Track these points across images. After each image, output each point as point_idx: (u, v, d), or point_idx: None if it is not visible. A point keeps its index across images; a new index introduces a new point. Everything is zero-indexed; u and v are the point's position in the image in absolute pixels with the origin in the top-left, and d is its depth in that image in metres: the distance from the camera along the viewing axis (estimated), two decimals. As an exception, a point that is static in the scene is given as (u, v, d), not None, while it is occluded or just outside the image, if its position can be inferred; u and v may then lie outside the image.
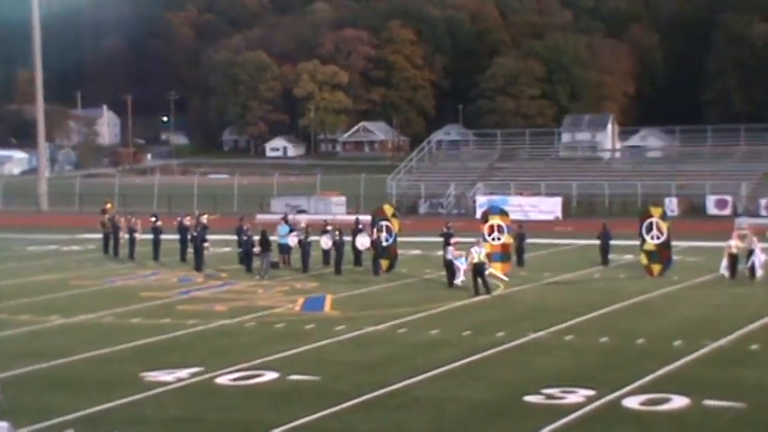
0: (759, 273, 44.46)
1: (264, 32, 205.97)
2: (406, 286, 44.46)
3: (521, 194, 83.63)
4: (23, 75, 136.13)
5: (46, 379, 27.17)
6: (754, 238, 45.75)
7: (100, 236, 58.79)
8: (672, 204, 76.00)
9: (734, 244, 45.12)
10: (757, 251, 44.69)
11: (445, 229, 52.30)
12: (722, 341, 31.99)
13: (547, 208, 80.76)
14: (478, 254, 42.09)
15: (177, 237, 54.11)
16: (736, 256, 44.62)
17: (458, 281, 43.71)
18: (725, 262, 45.09)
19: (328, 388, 26.40)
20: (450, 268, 44.02)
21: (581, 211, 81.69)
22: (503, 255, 48.12)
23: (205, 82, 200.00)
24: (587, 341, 32.44)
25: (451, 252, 44.17)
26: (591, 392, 25.58)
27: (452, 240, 46.66)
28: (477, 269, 41.75)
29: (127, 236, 56.27)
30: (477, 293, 41.34)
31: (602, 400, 24.98)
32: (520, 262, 49.89)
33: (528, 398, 25.29)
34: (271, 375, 27.96)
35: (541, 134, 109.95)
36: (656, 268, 46.87)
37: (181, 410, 24.67)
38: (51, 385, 26.24)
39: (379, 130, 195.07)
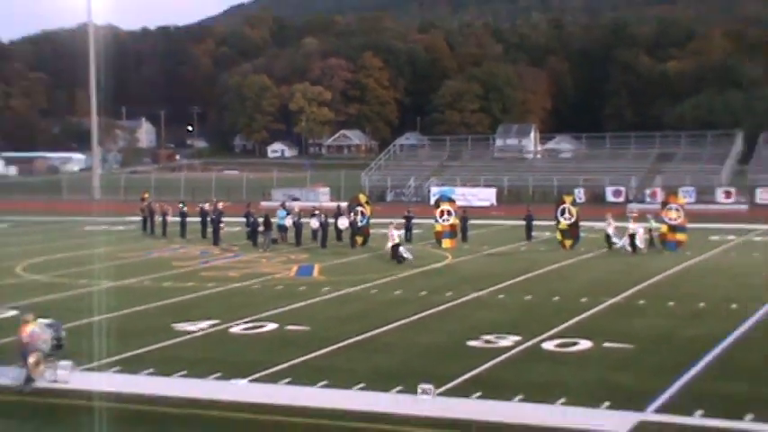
0: (641, 247, 44.84)
1: (267, 61, 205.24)
2: (377, 257, 44.47)
3: (464, 186, 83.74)
4: (81, 94, 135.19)
5: (99, 329, 27.14)
6: (611, 221, 46.70)
7: (140, 219, 58.68)
8: (580, 193, 76.26)
9: (631, 226, 45.38)
10: (611, 230, 46.13)
11: (407, 213, 52.53)
12: (618, 298, 32.19)
13: (484, 197, 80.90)
14: (398, 235, 42.72)
15: (199, 219, 54.06)
16: (634, 235, 44.83)
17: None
18: (626, 240, 45.29)
19: (317, 335, 26.43)
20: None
21: (510, 198, 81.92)
22: (451, 233, 48.32)
23: (221, 99, 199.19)
24: (515, 299, 32.57)
25: (393, 227, 44.44)
26: (518, 338, 25.69)
27: (395, 222, 46.36)
28: (396, 246, 42.11)
29: (160, 218, 56.22)
30: (398, 262, 41.55)
31: (527, 344, 25.10)
32: (464, 238, 50.01)
33: (470, 342, 25.39)
34: (272, 326, 27.98)
35: (480, 140, 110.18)
36: (568, 243, 47.09)
37: (203, 353, 24.68)
38: (103, 333, 26.20)
39: (355, 137, 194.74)
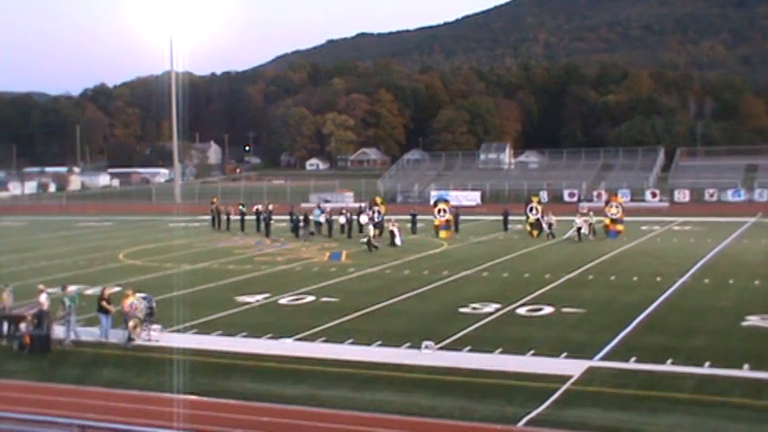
0: (586, 233, 44.79)
1: (305, 96, 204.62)
2: (390, 245, 44.50)
3: (456, 190, 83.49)
4: (166, 124, 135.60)
5: (181, 300, 27.27)
6: (551, 215, 47.15)
7: (209, 217, 58.76)
8: (544, 195, 75.89)
9: (577, 221, 45.19)
10: (576, 223, 45.39)
11: (413, 211, 52.53)
12: (572, 274, 32.22)
13: (471, 198, 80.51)
14: (372, 228, 43.08)
15: (254, 217, 54.15)
16: (580, 228, 44.71)
17: (397, 241, 43.71)
18: (572, 231, 45.20)
19: (344, 305, 26.52)
20: (392, 234, 43.99)
21: (491, 199, 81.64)
22: (446, 226, 48.27)
23: (270, 126, 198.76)
24: (495, 275, 32.60)
25: (391, 224, 44.45)
26: (498, 305, 25.75)
27: (393, 219, 46.28)
28: (370, 239, 42.16)
29: (225, 217, 56.29)
30: (370, 250, 41.37)
31: (504, 310, 25.15)
32: (456, 230, 49.98)
33: (461, 309, 25.45)
34: (310, 298, 28.09)
35: (468, 155, 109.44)
36: (535, 233, 47.01)
37: (259, 319, 24.80)
38: (184, 304, 26.33)
39: (372, 153, 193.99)
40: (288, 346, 21.16)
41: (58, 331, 22.09)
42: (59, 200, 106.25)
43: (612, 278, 31.07)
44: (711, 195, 76.24)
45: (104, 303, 22.41)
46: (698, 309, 25.06)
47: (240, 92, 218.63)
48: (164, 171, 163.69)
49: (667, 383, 17.22)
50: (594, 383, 17.36)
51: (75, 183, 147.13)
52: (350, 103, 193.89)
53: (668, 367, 18.37)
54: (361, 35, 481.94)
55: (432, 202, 61.44)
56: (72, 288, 23.78)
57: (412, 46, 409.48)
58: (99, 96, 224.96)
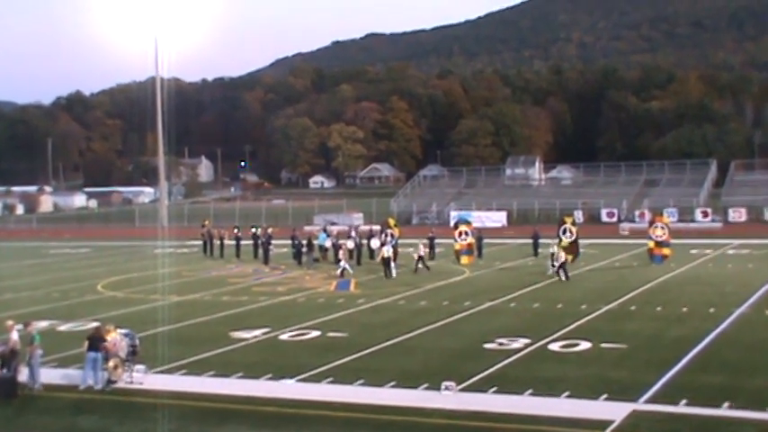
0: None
1: (308, 105, 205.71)
2: (405, 272, 44.41)
3: (479, 210, 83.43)
4: (150, 137, 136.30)
5: (168, 337, 27.29)
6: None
7: (200, 242, 58.85)
8: (579, 215, 75.74)
9: (561, 254, 40.80)
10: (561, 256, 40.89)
11: (430, 234, 52.55)
12: (612, 304, 32.10)
13: (496, 219, 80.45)
14: (387, 251, 43.33)
15: (251, 242, 54.19)
16: (564, 263, 40.27)
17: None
18: (554, 266, 40.70)
19: (353, 341, 26.48)
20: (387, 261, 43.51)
21: (519, 220, 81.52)
22: (468, 250, 48.18)
23: (269, 139, 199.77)
24: (525, 306, 32.50)
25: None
26: (527, 340, 25.65)
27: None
28: (386, 261, 42.77)
29: (218, 242, 56.39)
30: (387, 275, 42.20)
31: (535, 346, 25.05)
32: (479, 255, 49.87)
33: (486, 345, 25.36)
34: (315, 333, 28.05)
35: (492, 170, 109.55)
36: (570, 257, 46.71)
37: (256, 357, 24.77)
38: (171, 341, 26.35)
39: (384, 169, 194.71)
40: (290, 388, 21.11)
41: (24, 373, 22.04)
42: (28, 223, 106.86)
43: (659, 309, 30.93)
44: (771, 214, 76.02)
45: (105, 343, 21.82)
46: (759, 343, 24.89)
47: (235, 100, 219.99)
48: (148, 190, 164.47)
49: (725, 430, 17.08)
50: (639, 429, 17.24)
51: (46, 204, 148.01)
52: (359, 113, 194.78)
53: (725, 411, 18.23)
54: (371, 36, 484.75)
55: (452, 223, 61.39)
56: (36, 324, 23.75)
57: (429, 48, 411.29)
58: (74, 105, 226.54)
